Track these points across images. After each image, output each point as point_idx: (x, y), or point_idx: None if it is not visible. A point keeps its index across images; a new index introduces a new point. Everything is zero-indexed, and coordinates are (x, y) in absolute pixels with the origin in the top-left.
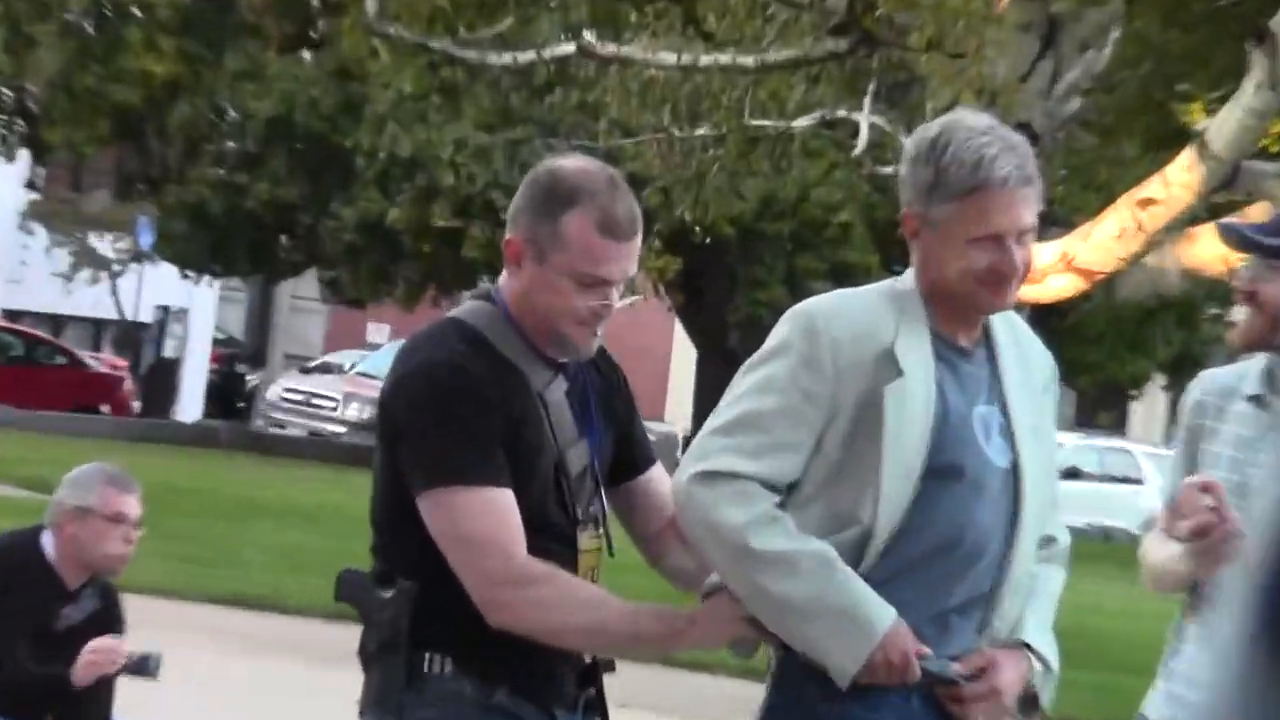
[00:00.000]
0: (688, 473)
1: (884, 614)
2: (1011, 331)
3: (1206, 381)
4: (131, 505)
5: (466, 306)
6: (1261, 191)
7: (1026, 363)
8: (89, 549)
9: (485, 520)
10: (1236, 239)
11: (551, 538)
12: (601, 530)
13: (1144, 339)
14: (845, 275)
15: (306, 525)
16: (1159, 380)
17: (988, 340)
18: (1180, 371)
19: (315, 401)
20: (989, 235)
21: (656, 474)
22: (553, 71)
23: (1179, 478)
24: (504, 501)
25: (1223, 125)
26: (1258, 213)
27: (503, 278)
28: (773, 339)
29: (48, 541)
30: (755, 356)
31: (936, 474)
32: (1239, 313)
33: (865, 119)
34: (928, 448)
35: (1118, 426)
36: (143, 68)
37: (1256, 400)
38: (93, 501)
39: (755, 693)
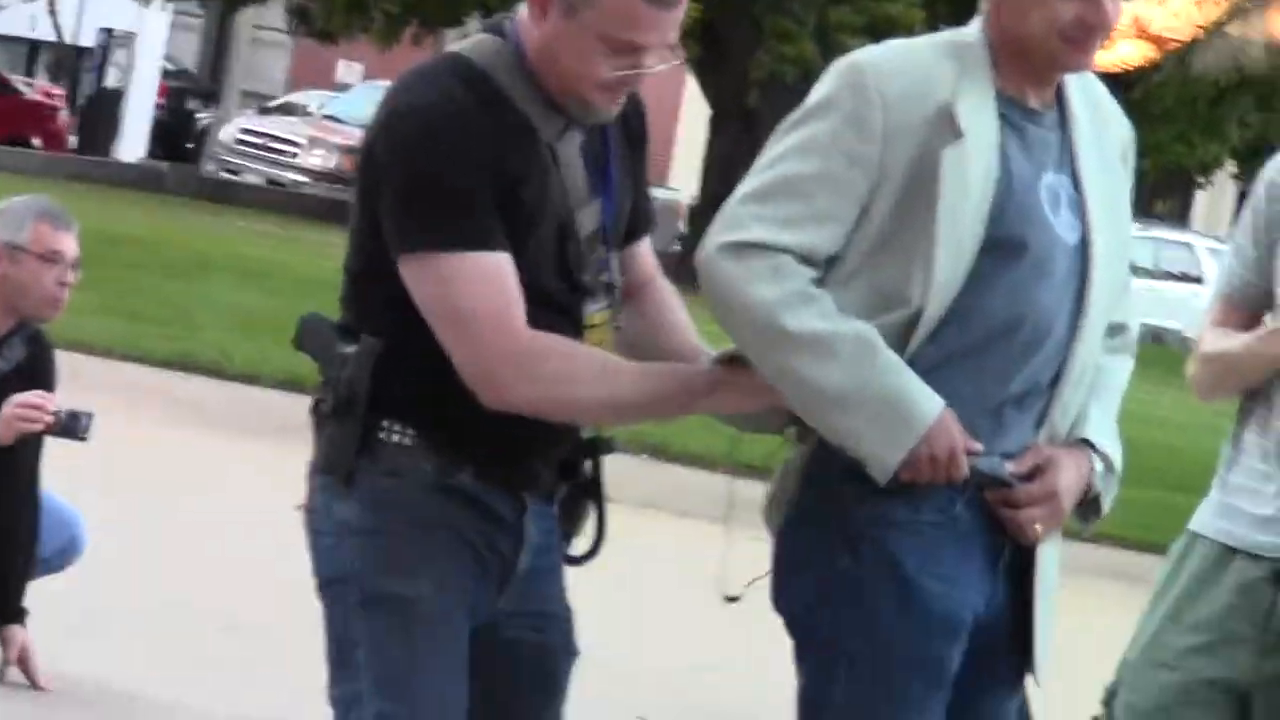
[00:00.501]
0: (715, 243)
1: (930, 403)
2: (1087, 94)
3: None
4: (68, 243)
5: (473, 40)
6: None
7: (1103, 130)
8: (19, 290)
9: (478, 289)
10: None
11: (551, 309)
12: (611, 301)
13: (1217, 120)
14: (886, 32)
15: (260, 284)
16: (1229, 168)
17: (1060, 102)
18: (1255, 159)
19: (275, 145)
20: None
21: (644, 247)
22: None
23: (1244, 270)
24: (499, 267)
25: None
26: None
27: (522, 11)
28: (815, 95)
29: None
30: (795, 114)
31: (995, 248)
32: None
33: None
34: (987, 219)
35: (1179, 217)
36: None
37: None
38: (25, 238)
39: (753, 491)
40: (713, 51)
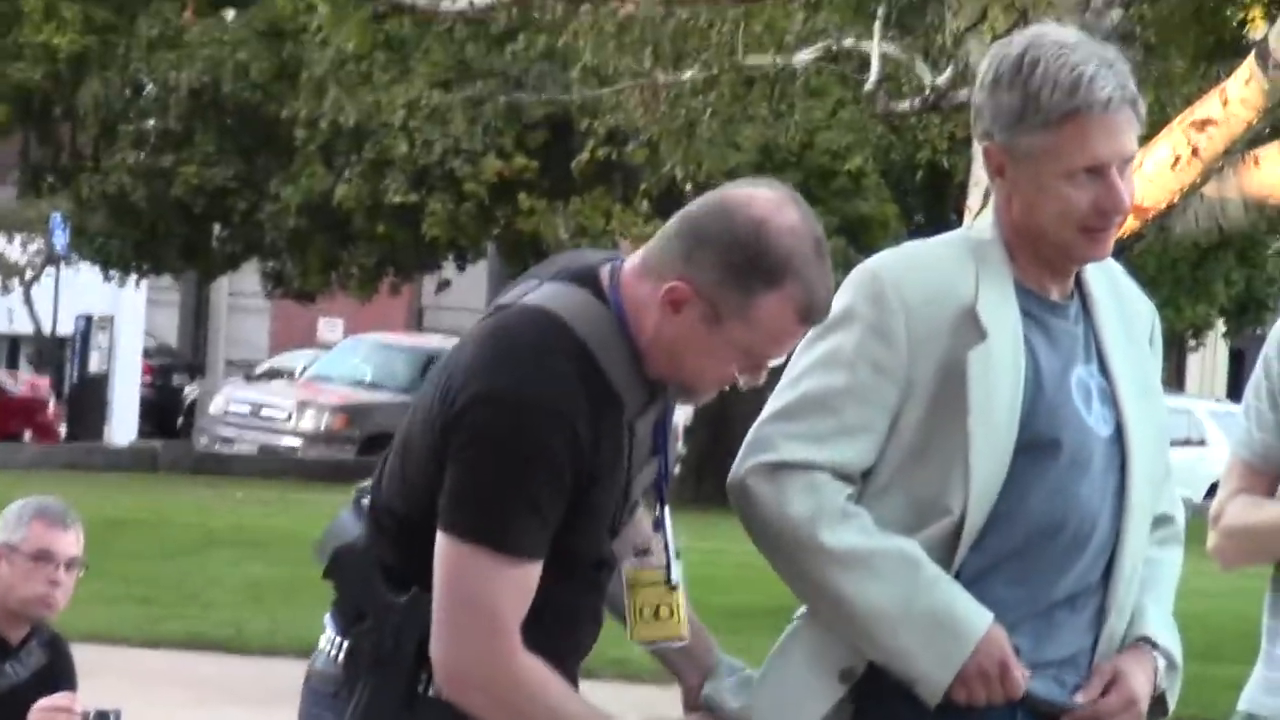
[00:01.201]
0: (746, 466)
1: (979, 617)
2: (1107, 279)
3: None
4: (63, 542)
5: (570, 297)
6: None
7: (1127, 315)
8: (10, 591)
9: (505, 595)
10: None
11: (591, 570)
12: (660, 558)
13: (1202, 281)
14: (860, 230)
15: (265, 554)
16: (1219, 328)
17: (1081, 291)
18: (1243, 316)
19: (264, 413)
20: (1091, 166)
21: None
22: (514, 15)
23: (1264, 434)
24: (531, 579)
25: None
26: None
27: (631, 275)
28: (835, 306)
29: None
30: (817, 328)
31: (1031, 448)
32: None
33: (876, 48)
34: (1019, 419)
35: (1174, 382)
36: (44, 41)
37: None
38: (19, 537)
39: None
40: None
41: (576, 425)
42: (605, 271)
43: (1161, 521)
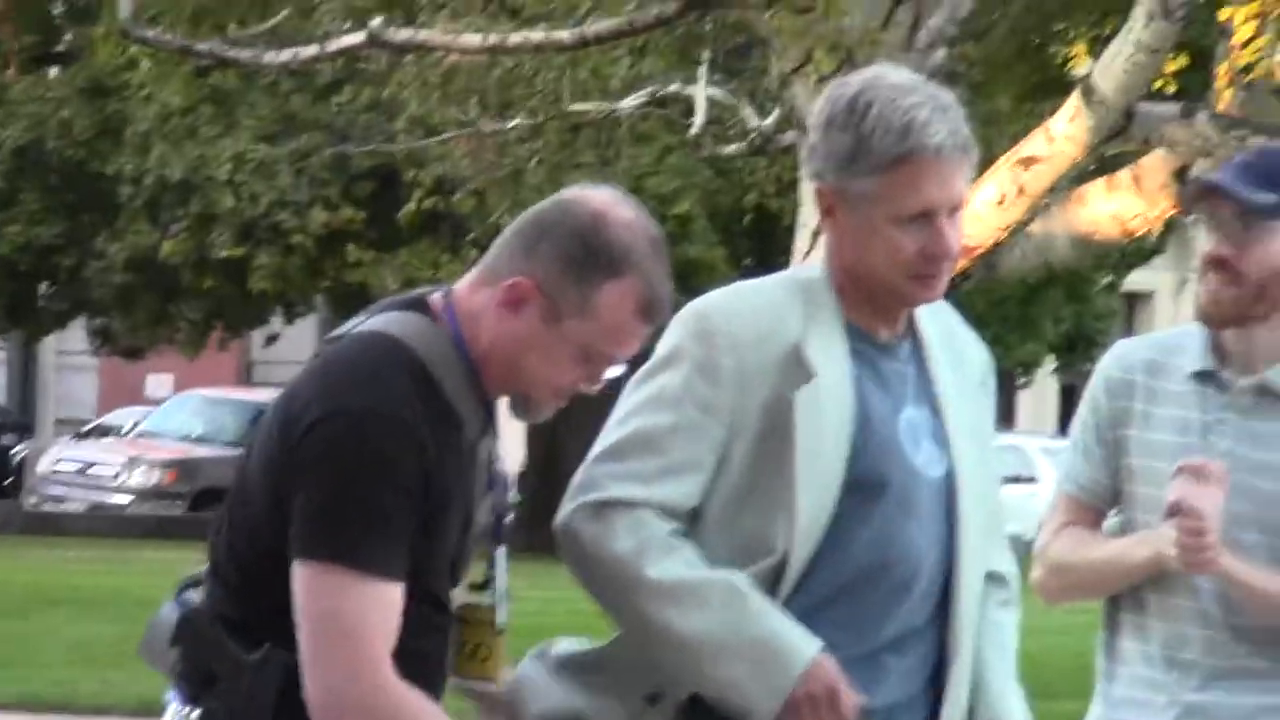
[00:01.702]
0: (571, 506)
1: (806, 644)
2: (940, 322)
3: (1125, 357)
4: None
5: (403, 321)
6: (1159, 138)
7: (959, 357)
8: None
9: (373, 617)
10: (1214, 193)
11: (439, 607)
12: (490, 598)
13: (1031, 318)
14: (689, 274)
15: (99, 613)
16: (1049, 364)
17: (913, 333)
18: (1072, 353)
19: (93, 471)
20: (920, 212)
21: None
22: (339, 67)
23: (1091, 469)
24: (396, 600)
25: (1110, 65)
26: (1155, 163)
27: (465, 290)
28: (663, 345)
29: None
30: (644, 367)
31: (857, 489)
32: (1210, 282)
33: (702, 93)
34: (846, 459)
35: (1005, 419)
36: None
37: (1206, 377)
38: None
39: None
40: None
41: (422, 439)
42: (437, 296)
43: (998, 581)
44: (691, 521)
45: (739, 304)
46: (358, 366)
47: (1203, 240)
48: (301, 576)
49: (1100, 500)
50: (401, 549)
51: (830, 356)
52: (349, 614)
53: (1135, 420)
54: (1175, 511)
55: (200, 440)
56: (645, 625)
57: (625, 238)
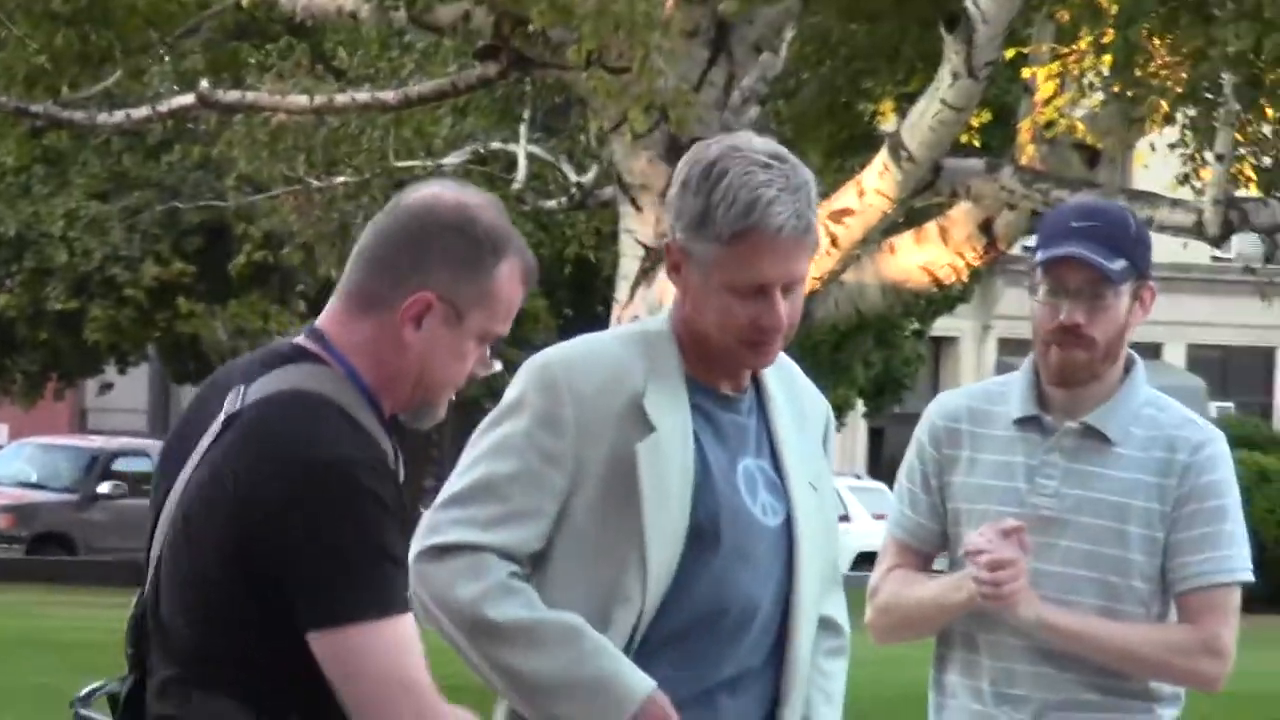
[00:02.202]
0: (416, 549)
1: (640, 682)
2: (783, 375)
3: (949, 406)
4: None
5: (295, 374)
6: (965, 191)
7: (801, 409)
8: None
9: (416, 660)
10: (1087, 267)
11: None
12: None
13: (842, 364)
14: (514, 324)
15: None
16: (859, 408)
17: (756, 385)
18: (881, 396)
19: None
20: (756, 286)
21: None
22: (169, 127)
23: (917, 515)
24: (415, 629)
25: (918, 123)
26: (961, 216)
27: (336, 327)
28: (508, 395)
29: None
30: (490, 415)
31: (696, 537)
32: (1063, 346)
33: (523, 150)
34: (688, 509)
35: None
36: None
37: (1029, 423)
38: None
39: None
40: None
41: (388, 468)
42: (304, 341)
43: (830, 628)
44: (542, 571)
45: (581, 357)
46: (292, 424)
47: (1039, 305)
48: (349, 645)
49: (927, 544)
50: (405, 576)
51: (670, 409)
52: (404, 667)
53: (961, 467)
54: (972, 547)
55: (36, 486)
56: (491, 666)
57: (492, 217)
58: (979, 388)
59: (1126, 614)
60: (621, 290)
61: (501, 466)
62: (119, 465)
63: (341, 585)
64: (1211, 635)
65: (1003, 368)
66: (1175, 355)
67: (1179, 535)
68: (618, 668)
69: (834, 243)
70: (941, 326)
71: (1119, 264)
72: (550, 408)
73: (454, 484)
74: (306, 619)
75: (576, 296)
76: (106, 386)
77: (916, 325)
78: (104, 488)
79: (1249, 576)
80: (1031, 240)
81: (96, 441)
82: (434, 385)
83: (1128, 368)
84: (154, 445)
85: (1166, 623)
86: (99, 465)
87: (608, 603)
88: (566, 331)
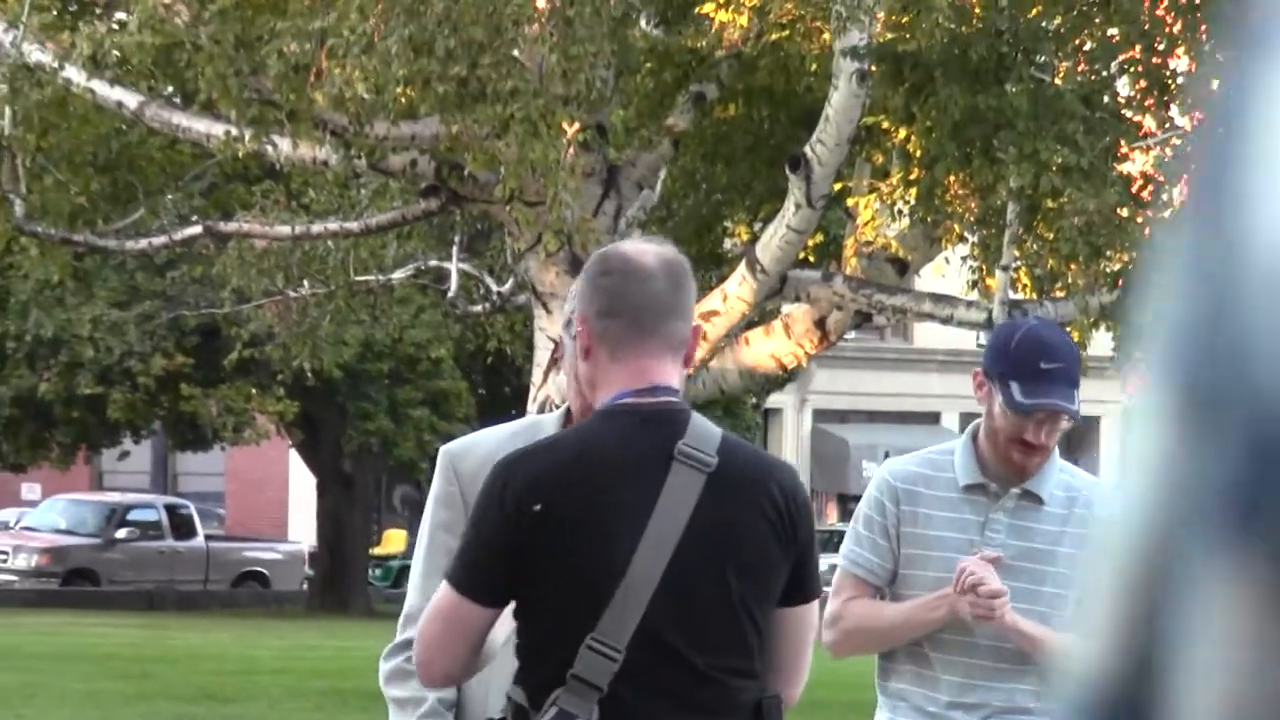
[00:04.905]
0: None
1: None
2: None
3: (901, 471)
4: None
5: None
6: (806, 295)
7: None
8: None
9: (445, 596)
10: (1068, 414)
11: None
12: None
13: None
14: (440, 401)
15: (2, 664)
16: None
17: None
18: None
19: None
20: None
21: None
22: (175, 250)
23: (876, 557)
24: None
25: (768, 243)
26: (800, 314)
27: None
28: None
29: None
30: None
31: None
32: (1026, 454)
33: (454, 266)
34: None
35: None
36: None
37: (975, 488)
38: None
39: None
40: (312, 434)
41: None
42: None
43: None
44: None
45: (471, 445)
46: (755, 450)
47: (1001, 412)
48: (803, 614)
49: (881, 580)
50: None
51: None
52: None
53: (919, 520)
54: (972, 581)
55: (66, 532)
56: None
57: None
58: (922, 457)
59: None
60: (537, 375)
61: (424, 541)
62: (132, 515)
63: (814, 570)
64: None
65: (818, 434)
66: (952, 422)
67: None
68: None
69: (704, 336)
70: (770, 401)
71: (1079, 401)
72: (443, 487)
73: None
74: (802, 593)
75: (490, 380)
76: (125, 454)
77: (754, 400)
78: (121, 533)
79: None
80: (851, 335)
81: (114, 497)
82: None
83: None
84: (159, 500)
85: None
86: (117, 515)
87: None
88: (482, 408)
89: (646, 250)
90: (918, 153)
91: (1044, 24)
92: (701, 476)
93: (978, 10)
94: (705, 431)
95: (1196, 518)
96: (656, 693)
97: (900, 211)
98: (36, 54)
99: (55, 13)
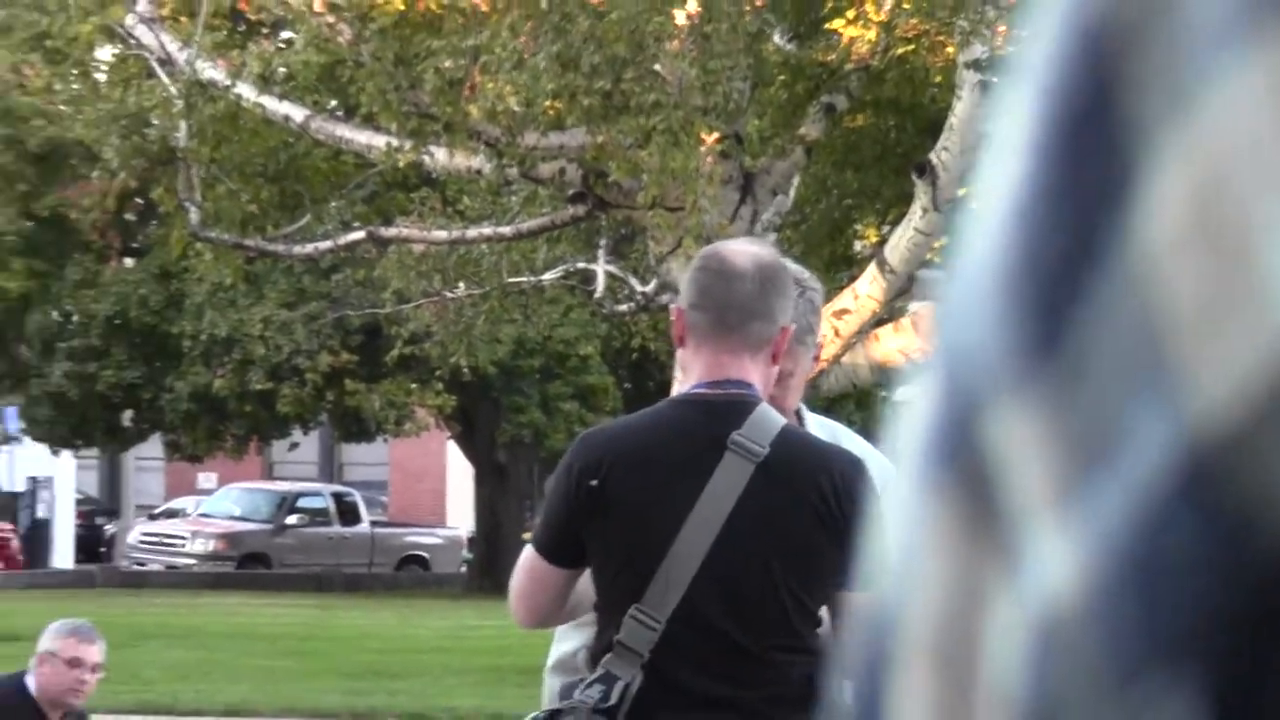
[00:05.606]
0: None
1: None
2: None
3: None
4: (88, 652)
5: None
6: (934, 294)
7: None
8: (51, 687)
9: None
10: None
11: None
12: None
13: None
14: (588, 395)
15: (184, 643)
16: None
17: None
18: None
19: (167, 541)
20: None
21: None
22: (341, 255)
23: None
24: None
25: (897, 245)
26: (928, 311)
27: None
28: None
29: (30, 681)
30: None
31: None
32: None
33: (601, 268)
34: None
35: None
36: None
37: None
38: (56, 647)
39: None
40: (467, 427)
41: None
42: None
43: None
44: None
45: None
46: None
47: None
48: (843, 603)
49: None
50: None
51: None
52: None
53: None
54: None
55: (241, 519)
56: None
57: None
58: None
59: None
60: (677, 371)
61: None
62: (301, 503)
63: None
64: None
65: None
66: None
67: None
68: None
69: (836, 334)
70: (902, 392)
71: None
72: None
73: None
74: (839, 584)
75: (635, 375)
76: (294, 445)
77: (885, 394)
78: (291, 520)
79: None
80: None
81: (284, 486)
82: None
83: None
84: (326, 488)
85: None
86: (287, 503)
87: None
88: (628, 401)
89: (744, 251)
90: None
91: None
92: (750, 465)
93: None
94: (764, 423)
95: (917, 455)
96: (696, 662)
97: None
98: (209, 71)
99: (225, 32)
